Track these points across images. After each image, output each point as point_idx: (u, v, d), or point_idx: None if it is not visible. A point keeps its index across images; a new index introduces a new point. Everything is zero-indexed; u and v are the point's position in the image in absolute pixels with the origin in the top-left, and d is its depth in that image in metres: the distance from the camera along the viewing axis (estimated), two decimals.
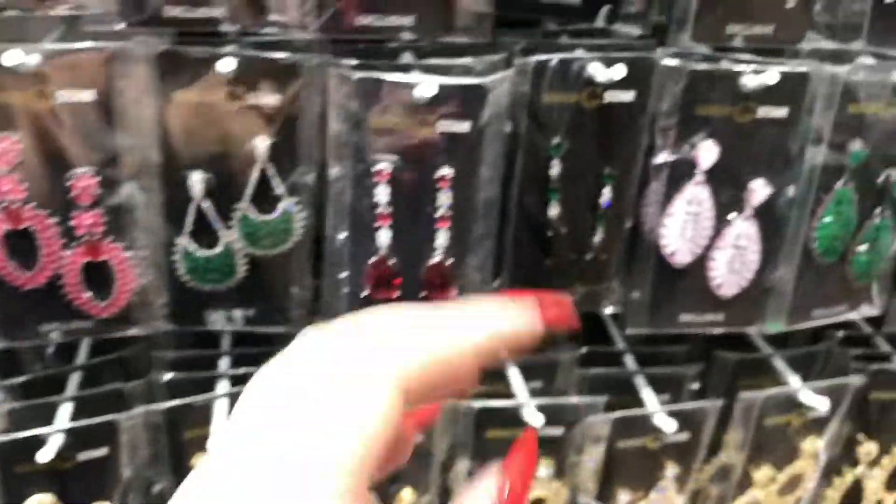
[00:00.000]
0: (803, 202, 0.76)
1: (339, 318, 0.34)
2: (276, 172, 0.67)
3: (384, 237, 0.69)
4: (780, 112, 0.72)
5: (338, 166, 0.67)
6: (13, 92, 0.61)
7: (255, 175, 0.67)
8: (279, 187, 0.68)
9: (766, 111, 0.72)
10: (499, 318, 0.37)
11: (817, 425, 0.88)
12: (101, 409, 0.73)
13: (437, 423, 0.78)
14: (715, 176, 0.73)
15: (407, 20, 0.64)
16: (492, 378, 0.81)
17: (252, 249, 0.70)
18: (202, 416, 0.74)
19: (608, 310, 0.80)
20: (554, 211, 0.73)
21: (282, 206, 0.69)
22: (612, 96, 0.70)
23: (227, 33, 0.64)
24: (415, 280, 0.71)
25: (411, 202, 0.69)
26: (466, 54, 0.68)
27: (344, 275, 0.70)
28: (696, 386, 0.90)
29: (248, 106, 0.65)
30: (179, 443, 0.76)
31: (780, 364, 0.88)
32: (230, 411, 0.74)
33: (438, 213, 0.69)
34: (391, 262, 0.70)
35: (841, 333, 0.91)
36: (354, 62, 0.65)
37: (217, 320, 0.73)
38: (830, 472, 0.92)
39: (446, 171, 0.68)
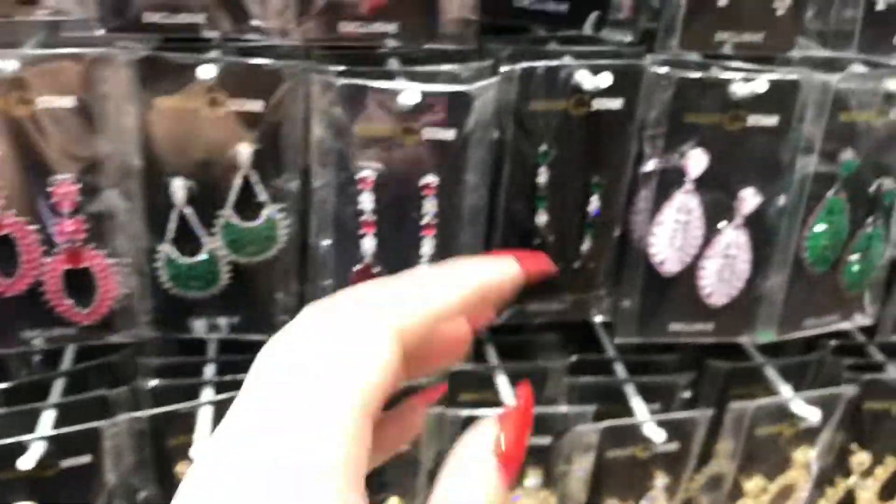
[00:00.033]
0: (794, 211, 0.75)
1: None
2: (259, 179, 0.67)
3: (369, 245, 0.68)
4: (771, 120, 0.71)
5: (321, 173, 0.67)
6: None
7: (238, 182, 0.66)
8: (262, 194, 0.67)
9: (756, 119, 0.71)
10: (483, 270, 0.39)
11: (809, 435, 0.87)
12: (85, 415, 0.73)
13: (424, 430, 0.78)
14: (705, 184, 0.72)
15: (390, 27, 0.63)
16: (479, 386, 0.81)
17: (236, 257, 0.69)
18: (187, 423, 0.74)
19: (598, 318, 0.80)
20: (541, 219, 0.72)
21: (265, 213, 0.68)
22: (599, 104, 0.69)
23: (211, 39, 0.64)
24: None
25: (396, 210, 0.68)
26: (454, 61, 0.67)
27: (328, 282, 0.70)
28: (687, 395, 0.90)
29: (231, 112, 0.64)
30: (164, 450, 0.75)
31: (771, 373, 0.87)
32: (215, 419, 0.74)
33: (424, 221, 0.68)
34: (376, 269, 0.69)
35: (834, 343, 0.91)
36: (338, 69, 0.64)
37: (201, 328, 0.72)
38: (823, 482, 0.91)
39: (431, 179, 0.67)
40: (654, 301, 0.77)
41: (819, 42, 0.73)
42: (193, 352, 0.81)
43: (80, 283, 0.68)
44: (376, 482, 0.79)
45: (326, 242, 0.69)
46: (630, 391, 0.85)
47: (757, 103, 0.70)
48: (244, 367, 0.78)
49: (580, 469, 0.82)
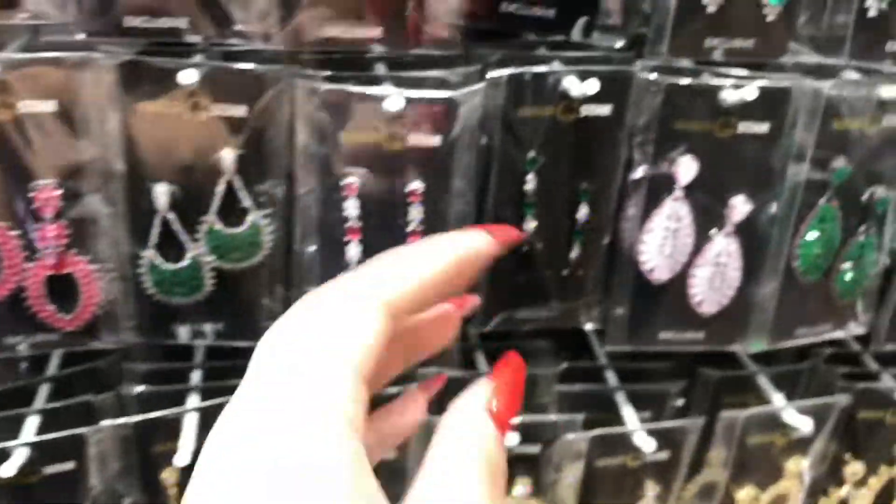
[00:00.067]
0: (786, 219, 0.74)
1: None
2: (243, 185, 0.66)
3: (354, 252, 0.68)
4: (762, 127, 0.70)
5: (306, 179, 0.66)
6: None
7: (221, 187, 0.66)
8: (246, 200, 0.67)
9: (746, 126, 0.70)
10: (457, 242, 0.44)
11: (802, 444, 0.86)
12: (70, 421, 0.72)
13: (411, 439, 0.77)
14: (695, 192, 0.72)
15: (374, 32, 0.63)
16: None
17: (220, 263, 0.68)
18: (172, 429, 0.73)
19: (588, 326, 0.79)
20: (529, 226, 0.71)
21: (250, 219, 0.67)
22: (588, 110, 0.68)
23: (195, 44, 0.63)
24: None
25: (382, 216, 0.67)
26: (442, 66, 0.67)
27: (313, 289, 0.69)
28: (680, 403, 0.89)
29: (214, 117, 0.64)
30: (149, 456, 0.75)
31: (764, 382, 0.86)
32: (200, 425, 0.73)
33: (410, 228, 0.68)
34: None
35: (828, 351, 0.90)
36: (323, 73, 0.64)
37: (186, 334, 0.72)
38: (816, 492, 0.91)
39: (417, 185, 0.67)
40: (644, 309, 0.76)
41: (811, 48, 0.72)
42: (181, 357, 0.80)
43: (62, 289, 0.67)
44: None
45: (311, 249, 0.68)
46: (621, 399, 0.84)
47: (748, 110, 0.69)
48: (231, 372, 0.78)
49: (569, 478, 0.81)
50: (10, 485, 0.69)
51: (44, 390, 0.76)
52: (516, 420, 0.39)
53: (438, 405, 0.78)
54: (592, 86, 0.65)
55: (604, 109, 0.69)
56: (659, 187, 0.71)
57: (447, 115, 0.65)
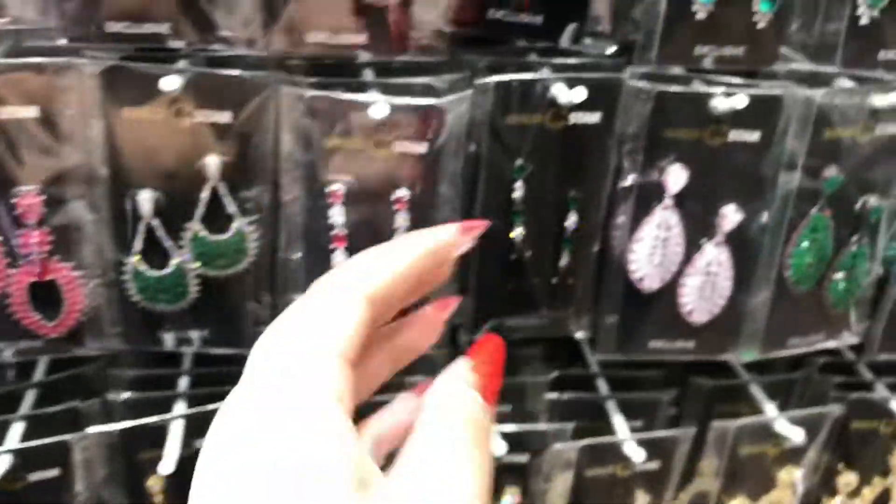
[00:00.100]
0: (777, 228, 0.74)
1: None
2: (228, 191, 0.66)
3: (340, 259, 0.67)
4: (753, 136, 0.70)
5: (291, 186, 0.66)
6: None
7: (205, 194, 0.65)
8: (231, 206, 0.66)
9: (737, 135, 0.70)
10: (428, 236, 0.46)
11: (794, 454, 0.85)
12: (56, 427, 0.72)
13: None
14: (685, 200, 0.71)
15: (359, 39, 0.62)
16: None
17: (205, 270, 0.68)
18: (157, 436, 0.73)
19: (578, 334, 0.78)
20: (518, 234, 0.71)
21: (235, 226, 0.67)
22: (577, 118, 0.68)
23: (181, 49, 0.63)
24: None
25: (368, 223, 0.67)
26: (430, 72, 0.66)
27: (297, 297, 0.68)
28: (672, 411, 0.88)
29: (199, 123, 0.63)
30: (135, 463, 0.74)
31: (757, 391, 0.86)
32: (186, 432, 0.73)
33: (396, 235, 0.67)
34: None
35: (822, 360, 0.89)
36: (308, 80, 0.63)
37: (171, 341, 0.71)
38: (809, 502, 0.90)
39: (403, 193, 0.66)
40: (634, 318, 0.76)
41: (806, 55, 0.71)
42: (169, 363, 0.80)
43: (46, 296, 0.67)
44: None
45: (297, 256, 0.68)
46: (612, 408, 0.83)
47: (738, 118, 0.68)
48: (218, 379, 0.77)
49: (559, 487, 0.80)
50: None
51: (30, 396, 0.76)
52: (498, 390, 0.42)
53: None
54: (580, 93, 0.64)
55: (593, 117, 0.68)
56: (648, 196, 0.71)
57: (433, 123, 0.64)
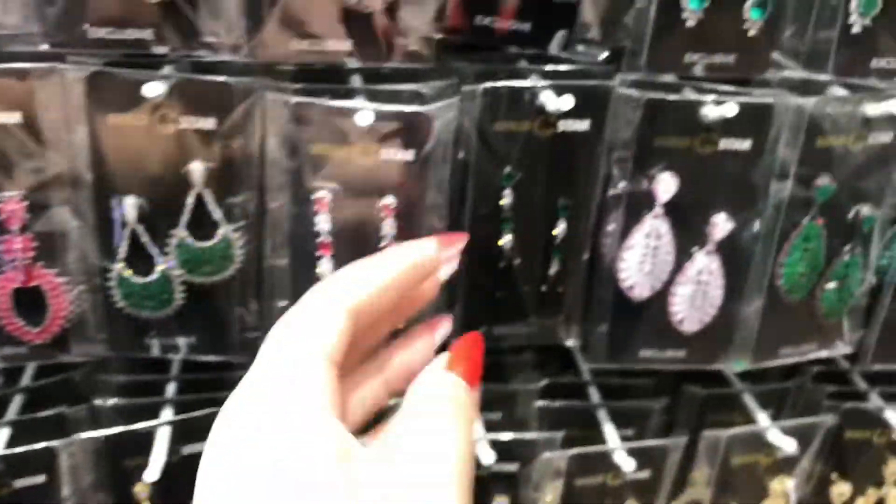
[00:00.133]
0: (769, 237, 0.73)
1: None
2: (213, 198, 0.65)
3: (326, 266, 0.67)
4: (744, 144, 0.69)
5: (277, 193, 0.65)
6: None
7: (191, 200, 0.65)
8: (217, 213, 0.66)
9: (728, 143, 0.69)
10: (408, 251, 0.51)
11: (787, 464, 0.85)
12: (42, 433, 0.71)
13: None
14: (675, 209, 0.70)
15: (344, 45, 0.61)
16: None
17: (191, 277, 0.67)
18: (144, 443, 0.72)
19: (569, 342, 0.78)
20: (507, 241, 0.70)
21: (221, 233, 0.66)
22: (566, 125, 0.67)
23: (166, 55, 0.62)
24: None
25: (354, 231, 0.66)
26: (419, 79, 0.66)
27: (283, 304, 0.68)
28: (664, 420, 0.88)
29: (183, 130, 0.63)
30: (122, 470, 0.74)
31: (750, 400, 0.85)
32: (172, 438, 0.72)
33: (383, 243, 0.67)
34: None
35: (816, 369, 0.88)
36: (294, 86, 0.63)
37: (158, 348, 0.71)
38: None
39: (390, 200, 0.65)
40: (625, 326, 0.75)
41: (799, 62, 0.71)
42: (157, 369, 0.79)
43: (30, 302, 0.66)
44: None
45: (283, 263, 0.67)
46: (603, 416, 0.83)
47: (729, 127, 0.68)
48: (206, 385, 0.76)
49: (549, 496, 0.80)
50: None
51: (16, 401, 0.75)
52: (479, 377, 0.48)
53: None
54: (567, 101, 0.63)
55: (582, 125, 0.67)
56: (639, 204, 0.70)
57: (420, 130, 0.63)
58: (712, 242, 0.72)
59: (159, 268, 0.66)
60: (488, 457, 0.74)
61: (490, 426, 0.78)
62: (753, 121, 0.68)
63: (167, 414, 0.75)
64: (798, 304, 0.76)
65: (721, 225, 0.71)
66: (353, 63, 0.64)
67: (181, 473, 0.73)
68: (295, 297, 0.67)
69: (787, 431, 0.81)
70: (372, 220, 0.66)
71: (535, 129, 0.67)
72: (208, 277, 0.68)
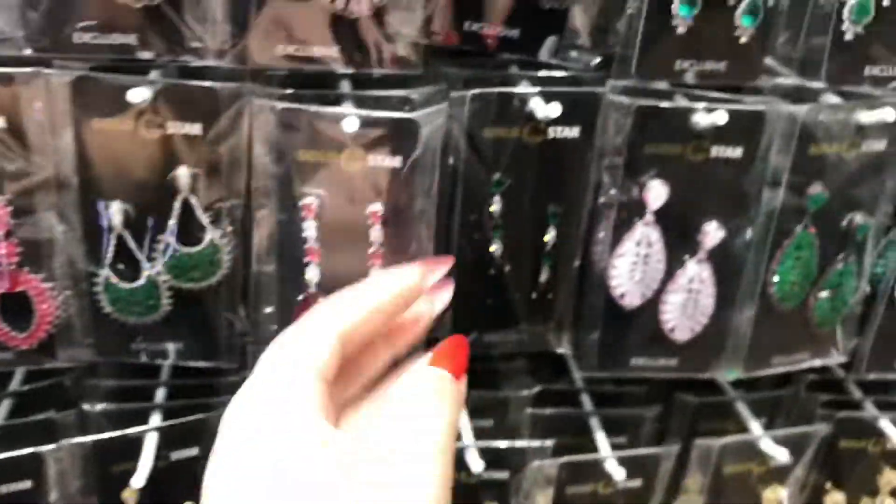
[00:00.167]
0: (761, 246, 0.72)
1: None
2: (200, 203, 0.65)
3: (313, 273, 0.66)
4: (735, 152, 0.68)
5: (263, 199, 0.65)
6: None
7: (177, 206, 0.64)
8: (203, 218, 0.65)
9: (719, 150, 0.68)
10: (396, 277, 0.55)
11: (780, 473, 0.84)
12: (30, 438, 0.71)
13: None
14: (666, 217, 0.70)
15: (330, 51, 0.61)
16: None
17: (178, 282, 0.67)
18: (132, 449, 0.72)
19: (559, 350, 0.77)
20: (496, 249, 0.70)
21: (208, 238, 0.66)
22: (556, 132, 0.67)
23: (154, 60, 0.62)
24: None
25: (341, 238, 0.66)
26: (408, 85, 0.65)
27: (270, 310, 0.67)
28: (656, 428, 0.87)
29: (170, 135, 0.62)
30: (109, 475, 0.74)
31: (743, 409, 0.84)
32: (160, 444, 0.72)
33: (371, 250, 0.66)
34: (321, 299, 0.67)
35: (811, 378, 0.88)
36: (281, 92, 0.62)
37: (145, 353, 0.70)
38: None
39: (377, 207, 0.65)
40: (616, 334, 0.75)
41: (792, 69, 0.70)
42: (145, 374, 0.79)
43: (16, 307, 0.66)
44: None
45: (270, 269, 0.67)
46: (595, 424, 0.82)
47: (720, 134, 0.67)
48: (195, 391, 0.76)
49: None
50: None
51: (4, 406, 0.75)
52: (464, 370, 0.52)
53: None
54: (555, 109, 0.63)
55: (572, 131, 0.67)
56: (629, 211, 0.70)
57: (408, 136, 0.63)
58: (704, 250, 0.71)
59: (146, 273, 0.66)
60: (478, 464, 0.73)
61: (481, 433, 0.78)
62: (745, 128, 0.68)
63: (155, 419, 0.75)
64: (791, 312, 0.76)
65: (712, 233, 0.71)
66: (340, 69, 0.64)
67: (169, 479, 0.73)
68: (282, 303, 0.68)
69: (781, 440, 0.81)
70: (359, 226, 0.65)
71: (524, 135, 0.66)
72: (195, 283, 0.67)
